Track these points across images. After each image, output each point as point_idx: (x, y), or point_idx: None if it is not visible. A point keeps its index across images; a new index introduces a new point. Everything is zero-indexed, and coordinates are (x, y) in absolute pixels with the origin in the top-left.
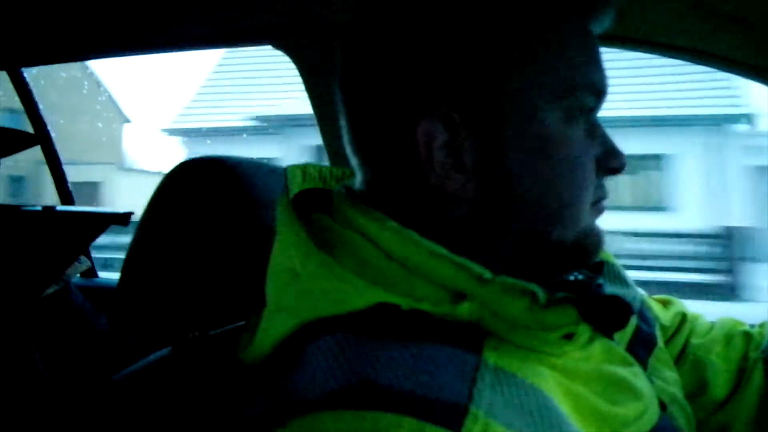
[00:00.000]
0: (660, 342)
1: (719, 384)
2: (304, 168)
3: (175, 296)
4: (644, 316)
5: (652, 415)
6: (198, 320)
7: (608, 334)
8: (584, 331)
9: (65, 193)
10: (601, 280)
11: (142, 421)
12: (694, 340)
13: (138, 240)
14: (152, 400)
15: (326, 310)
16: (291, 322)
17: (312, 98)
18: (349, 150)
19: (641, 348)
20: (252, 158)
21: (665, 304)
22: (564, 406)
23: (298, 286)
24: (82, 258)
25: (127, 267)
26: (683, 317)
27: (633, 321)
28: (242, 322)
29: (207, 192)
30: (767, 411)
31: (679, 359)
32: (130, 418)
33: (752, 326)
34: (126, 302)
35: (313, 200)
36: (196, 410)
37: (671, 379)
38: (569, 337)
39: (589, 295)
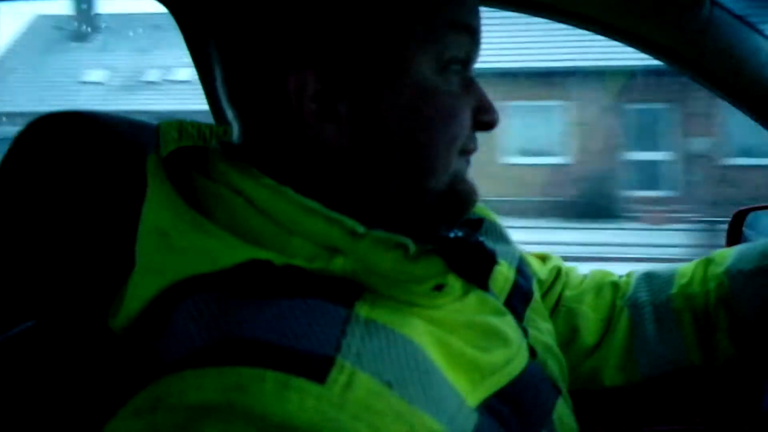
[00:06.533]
0: (537, 295)
1: (589, 331)
2: (180, 125)
3: (39, 268)
4: (523, 271)
5: (521, 361)
6: (67, 292)
7: (481, 285)
8: (455, 283)
9: None
10: (480, 237)
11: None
12: (568, 292)
13: None
14: (12, 374)
15: (195, 269)
16: (159, 283)
17: (193, 53)
18: (224, 103)
19: (519, 301)
20: (120, 113)
21: (543, 259)
22: (435, 355)
23: (168, 246)
24: None
25: None
26: (558, 271)
27: (511, 276)
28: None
29: (70, 150)
30: (632, 354)
31: (554, 310)
32: None
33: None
34: None
35: (192, 158)
36: (62, 383)
37: (545, 330)
38: (440, 288)
39: (455, 247)
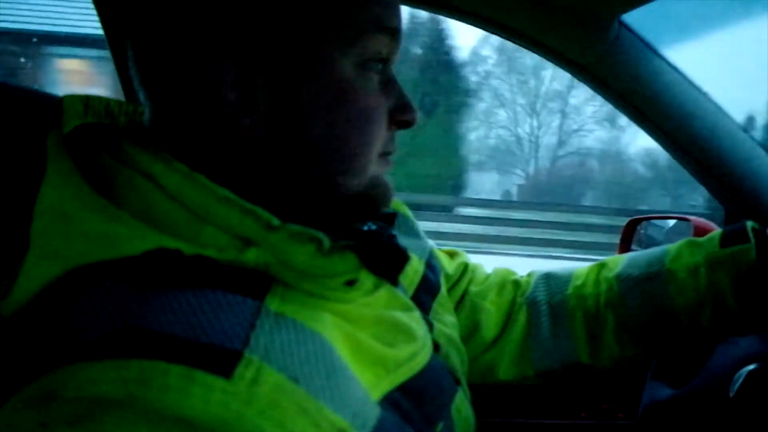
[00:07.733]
0: (443, 289)
1: (490, 326)
2: (86, 100)
3: None
4: (431, 265)
5: (425, 355)
6: None
7: (392, 281)
8: (367, 278)
9: None
10: (393, 231)
11: None
12: (473, 288)
13: None
14: None
15: (99, 255)
16: (58, 268)
17: (102, 19)
18: (135, 83)
19: (426, 294)
20: (23, 84)
21: (451, 255)
22: (342, 350)
23: (69, 229)
24: None
25: None
26: (465, 267)
27: (420, 269)
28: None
29: None
30: (527, 349)
31: (459, 304)
32: None
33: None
34: None
35: (97, 136)
36: None
37: (449, 323)
38: (351, 283)
39: (369, 243)
